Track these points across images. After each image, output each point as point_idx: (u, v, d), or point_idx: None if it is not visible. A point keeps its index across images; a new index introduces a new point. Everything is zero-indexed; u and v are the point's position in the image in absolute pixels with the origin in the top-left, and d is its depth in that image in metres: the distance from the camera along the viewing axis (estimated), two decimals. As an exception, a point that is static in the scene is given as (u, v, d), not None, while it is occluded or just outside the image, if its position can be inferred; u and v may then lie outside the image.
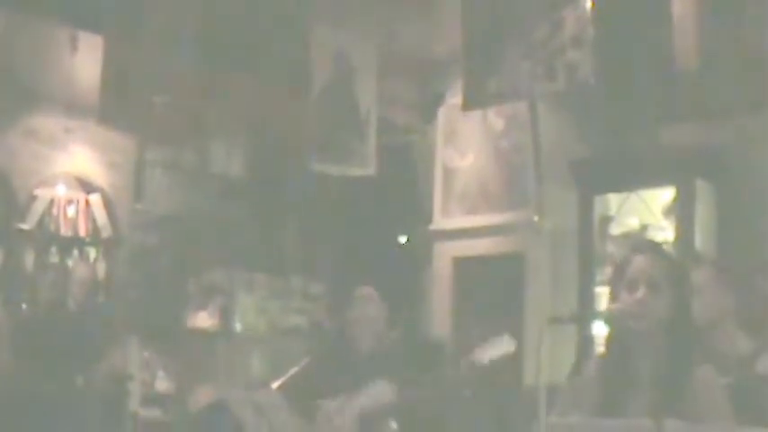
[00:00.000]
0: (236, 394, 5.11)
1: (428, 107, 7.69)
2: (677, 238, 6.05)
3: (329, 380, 5.16)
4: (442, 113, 7.73)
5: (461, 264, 7.68)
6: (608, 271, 6.40)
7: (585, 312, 6.17)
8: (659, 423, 2.43)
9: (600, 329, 6.25)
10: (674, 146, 6.21)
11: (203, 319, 6.78)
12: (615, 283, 3.07)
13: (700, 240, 6.03)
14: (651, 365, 2.95)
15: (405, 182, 7.83)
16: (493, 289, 7.62)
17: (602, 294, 6.43)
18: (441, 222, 7.72)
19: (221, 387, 5.59)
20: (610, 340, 3.12)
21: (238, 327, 6.90)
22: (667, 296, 2.99)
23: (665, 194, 6.21)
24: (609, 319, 3.16)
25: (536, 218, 7.09)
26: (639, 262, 3.04)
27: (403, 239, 7.71)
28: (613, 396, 2.96)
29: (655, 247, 3.34)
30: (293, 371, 5.35)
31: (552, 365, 6.24)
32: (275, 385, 5.23)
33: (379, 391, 4.73)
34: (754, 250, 5.86)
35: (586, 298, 6.43)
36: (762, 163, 5.95)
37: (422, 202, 7.78)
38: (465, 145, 7.60)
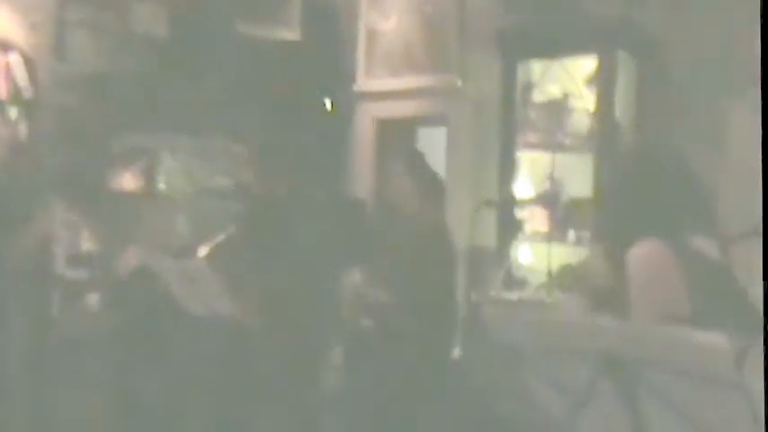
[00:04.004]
0: (164, 262, 5.18)
1: (351, -31, 7.64)
2: (597, 107, 6.19)
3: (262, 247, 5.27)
4: (364, -25, 7.68)
5: (384, 125, 7.75)
6: (531, 137, 6.57)
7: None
8: (591, 321, 2.54)
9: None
10: (597, 16, 6.28)
11: (127, 181, 6.76)
12: None
13: (619, 110, 6.17)
14: None
15: (328, 44, 7.80)
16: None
17: (522, 159, 6.61)
18: (364, 84, 7.74)
19: (149, 253, 5.62)
20: None
21: (163, 188, 6.89)
22: None
23: (588, 64, 6.30)
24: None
25: (459, 82, 7.15)
26: None
27: (328, 105, 7.72)
28: None
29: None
30: (219, 238, 5.42)
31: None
32: (202, 252, 5.31)
33: None
34: (670, 122, 6.03)
35: (507, 163, 6.56)
36: (681, 37, 6.06)
37: (345, 64, 7.78)
38: (388, 8, 7.57)
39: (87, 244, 6.47)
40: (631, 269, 3.10)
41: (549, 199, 6.44)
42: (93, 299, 6.19)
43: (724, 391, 2.34)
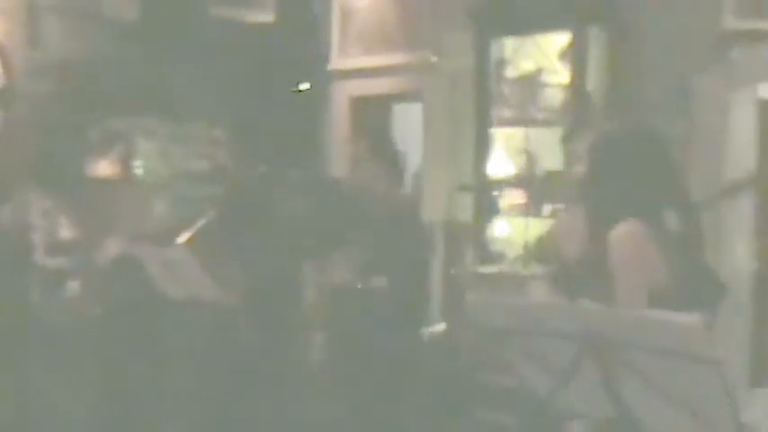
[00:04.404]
0: (145, 249, 5.18)
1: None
2: (570, 81, 6.24)
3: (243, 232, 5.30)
4: (337, -45, 7.68)
5: (359, 103, 7.78)
6: (505, 112, 6.62)
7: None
8: (572, 303, 2.59)
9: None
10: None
11: (104, 167, 6.74)
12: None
13: (591, 84, 6.23)
14: None
15: (302, 24, 7.80)
16: (391, 128, 7.79)
17: (497, 134, 6.66)
18: (338, 63, 7.76)
19: (130, 241, 5.62)
20: None
21: (141, 173, 6.89)
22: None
23: (560, 40, 6.35)
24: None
25: (434, 59, 7.17)
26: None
27: (304, 86, 7.73)
28: None
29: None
30: (200, 223, 5.43)
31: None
32: (182, 238, 5.32)
33: None
34: (640, 95, 6.10)
35: (482, 137, 6.61)
36: (651, 12, 6.13)
37: (320, 44, 7.79)
38: (362, -15, 7.59)
39: (66, 232, 6.46)
40: (614, 249, 3.18)
41: (524, 175, 6.51)
42: (73, 287, 6.18)
43: (699, 368, 2.40)
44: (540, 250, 6.16)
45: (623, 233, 3.17)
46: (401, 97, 7.63)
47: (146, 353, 5.47)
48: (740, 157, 5.87)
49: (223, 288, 4.88)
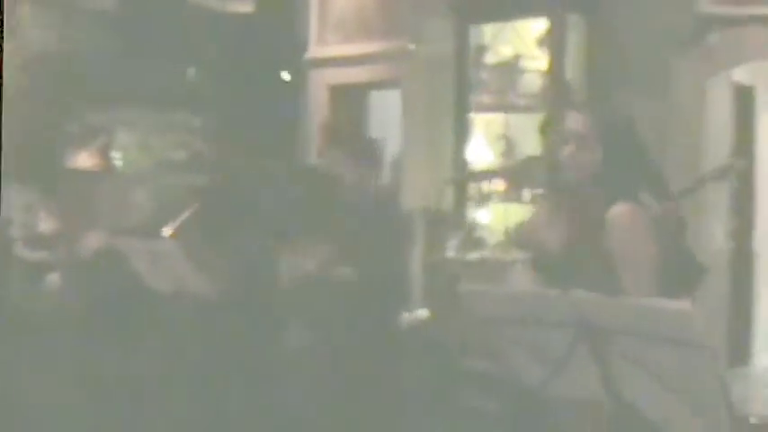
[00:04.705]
0: (131, 243, 5.15)
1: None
2: (549, 67, 6.28)
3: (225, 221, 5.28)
4: (314, -58, 7.66)
5: (338, 91, 7.78)
6: (484, 98, 6.64)
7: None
8: (566, 293, 2.62)
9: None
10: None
11: (84, 159, 6.72)
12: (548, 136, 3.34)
13: (570, 71, 6.26)
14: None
15: (281, 13, 7.79)
16: (370, 116, 7.81)
17: (476, 120, 6.69)
18: (317, 51, 7.75)
19: (113, 233, 5.60)
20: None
21: (121, 165, 6.88)
22: (595, 150, 3.26)
23: (539, 25, 6.38)
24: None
25: (412, 46, 7.18)
26: (571, 119, 3.28)
27: (286, 76, 7.73)
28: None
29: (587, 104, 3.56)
30: (184, 215, 5.41)
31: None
32: (168, 230, 5.30)
33: None
34: (619, 81, 6.14)
35: (461, 124, 6.64)
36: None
37: (298, 33, 7.78)
38: (340, -27, 7.59)
39: (46, 225, 6.42)
40: (618, 227, 3.23)
41: (503, 161, 6.54)
42: (54, 280, 6.14)
43: (690, 353, 2.44)
44: (519, 237, 6.19)
45: (626, 211, 3.21)
46: (380, 85, 7.64)
47: (129, 346, 5.45)
48: (717, 142, 5.93)
49: (209, 280, 4.88)
